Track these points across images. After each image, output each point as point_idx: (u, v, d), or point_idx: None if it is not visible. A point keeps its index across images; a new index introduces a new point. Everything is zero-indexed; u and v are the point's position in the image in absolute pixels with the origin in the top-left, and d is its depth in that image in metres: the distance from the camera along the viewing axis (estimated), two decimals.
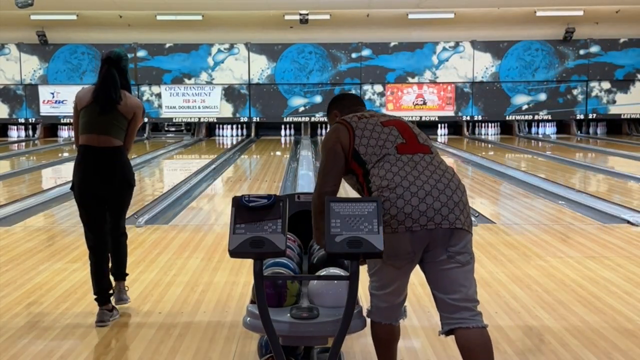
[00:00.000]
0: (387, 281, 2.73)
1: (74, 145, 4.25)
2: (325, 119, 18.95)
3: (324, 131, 19.15)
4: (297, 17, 17.50)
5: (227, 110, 18.92)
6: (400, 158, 2.68)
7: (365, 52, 18.71)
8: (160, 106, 18.72)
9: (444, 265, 2.62)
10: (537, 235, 6.35)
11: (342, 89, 18.77)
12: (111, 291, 4.18)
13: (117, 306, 4.23)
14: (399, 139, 2.75)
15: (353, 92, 18.78)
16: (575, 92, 18.87)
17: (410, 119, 16.08)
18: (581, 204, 8.01)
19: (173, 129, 19.41)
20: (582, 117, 18.98)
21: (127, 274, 4.44)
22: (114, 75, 4.05)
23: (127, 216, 4.51)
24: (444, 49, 18.65)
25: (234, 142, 17.77)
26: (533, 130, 19.26)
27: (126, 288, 4.43)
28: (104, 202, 4.18)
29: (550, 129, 19.32)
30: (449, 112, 18.77)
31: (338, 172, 2.77)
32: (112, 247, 4.29)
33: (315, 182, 2.87)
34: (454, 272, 2.61)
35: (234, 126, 19.24)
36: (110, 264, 4.27)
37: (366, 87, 18.77)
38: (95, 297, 4.08)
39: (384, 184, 2.62)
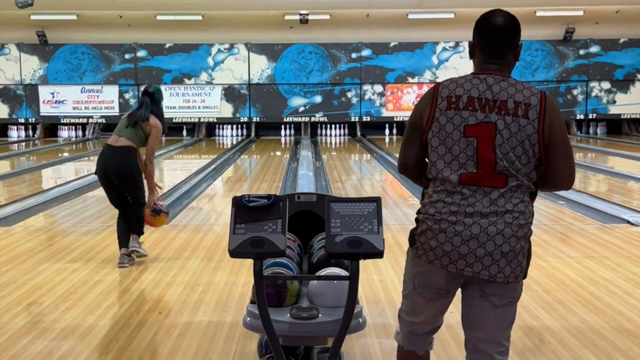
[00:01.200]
0: (415, 309, 2.47)
1: None
2: (326, 119, 19.13)
3: (324, 131, 19.16)
4: (297, 17, 17.50)
5: (227, 110, 18.92)
6: (460, 190, 2.29)
7: (365, 52, 18.70)
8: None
9: (475, 302, 2.38)
10: (537, 235, 6.34)
11: (342, 89, 18.78)
12: (129, 248, 5.45)
13: (131, 254, 5.46)
14: (469, 164, 2.29)
15: (353, 92, 18.80)
16: (575, 92, 18.87)
17: None
18: (581, 204, 8.02)
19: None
20: (582, 117, 18.98)
21: (142, 233, 5.58)
22: (148, 102, 5.53)
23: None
24: (444, 49, 18.65)
25: (234, 142, 17.77)
26: None
27: (140, 242, 5.54)
28: (117, 186, 5.45)
29: None
30: None
31: (412, 144, 2.44)
32: (130, 212, 5.54)
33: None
34: (484, 311, 2.37)
35: (234, 126, 19.24)
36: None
37: (366, 87, 18.76)
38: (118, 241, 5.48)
39: (430, 212, 2.34)
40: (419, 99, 2.47)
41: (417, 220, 2.43)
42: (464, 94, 2.32)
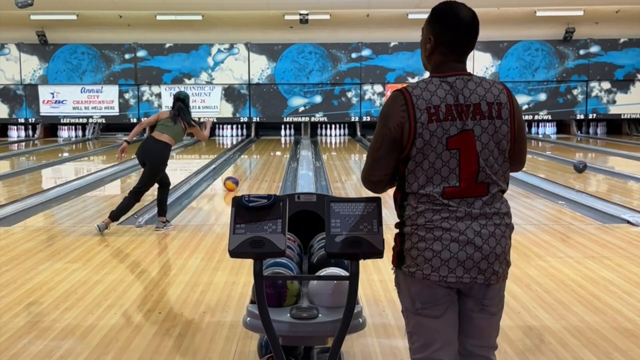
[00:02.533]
0: (429, 336, 2.27)
1: (131, 133, 7.01)
2: (325, 119, 19.14)
3: (324, 131, 19.15)
4: (297, 17, 17.50)
5: (227, 110, 18.92)
6: (444, 203, 2.21)
7: (365, 52, 18.71)
8: (160, 106, 18.72)
9: (473, 315, 2.32)
10: (537, 235, 6.35)
11: (342, 89, 18.78)
12: (163, 218, 6.83)
13: (166, 220, 6.82)
14: (452, 178, 2.21)
15: (353, 92, 18.79)
16: (575, 92, 18.88)
17: None
18: (581, 204, 8.01)
19: None
20: (582, 117, 18.99)
21: (162, 213, 6.79)
22: (183, 107, 6.85)
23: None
24: None
25: (234, 142, 17.77)
26: (533, 130, 19.27)
27: (164, 220, 6.79)
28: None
29: (550, 129, 19.33)
30: None
31: (390, 161, 2.26)
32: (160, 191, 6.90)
33: (362, 171, 2.27)
34: (483, 322, 2.33)
35: (234, 126, 19.25)
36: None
37: (366, 87, 18.77)
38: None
39: (420, 222, 2.22)
40: (386, 109, 2.25)
41: (401, 235, 2.30)
42: (441, 103, 2.20)
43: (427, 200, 2.23)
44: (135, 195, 6.69)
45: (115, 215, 6.60)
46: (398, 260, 2.30)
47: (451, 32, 2.24)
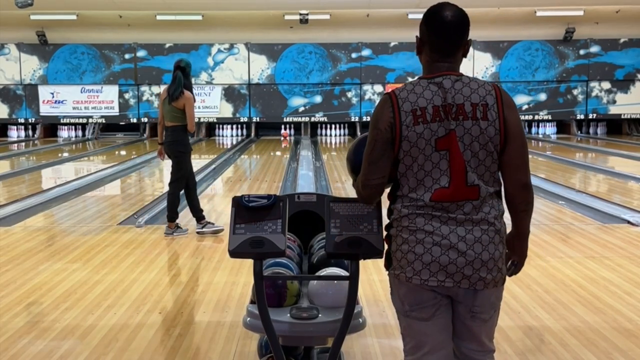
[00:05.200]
0: (419, 338, 2.29)
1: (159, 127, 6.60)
2: (326, 119, 19.13)
3: (324, 131, 19.14)
4: (297, 17, 17.49)
5: (227, 110, 18.91)
6: (432, 206, 2.20)
7: (365, 52, 18.70)
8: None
9: (466, 321, 2.30)
10: (537, 235, 6.34)
11: (342, 89, 18.77)
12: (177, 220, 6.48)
13: (177, 225, 6.46)
14: (442, 179, 2.19)
15: (353, 92, 18.79)
16: (575, 92, 18.87)
17: None
18: (581, 204, 8.01)
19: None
20: (582, 117, 18.97)
21: (172, 219, 6.41)
22: (180, 78, 6.19)
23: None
24: None
25: (234, 142, 17.76)
26: (533, 130, 19.25)
27: (204, 222, 6.46)
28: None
29: (550, 129, 19.31)
30: None
31: (386, 162, 2.23)
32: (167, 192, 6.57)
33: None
34: (476, 328, 2.31)
35: (234, 126, 19.24)
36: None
37: (366, 87, 18.76)
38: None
39: (404, 223, 2.23)
40: (376, 112, 2.26)
41: (389, 237, 2.31)
42: (428, 104, 2.20)
43: (412, 204, 2.23)
44: (173, 188, 6.39)
45: (170, 217, 6.40)
46: (387, 263, 2.33)
47: (434, 33, 2.25)
